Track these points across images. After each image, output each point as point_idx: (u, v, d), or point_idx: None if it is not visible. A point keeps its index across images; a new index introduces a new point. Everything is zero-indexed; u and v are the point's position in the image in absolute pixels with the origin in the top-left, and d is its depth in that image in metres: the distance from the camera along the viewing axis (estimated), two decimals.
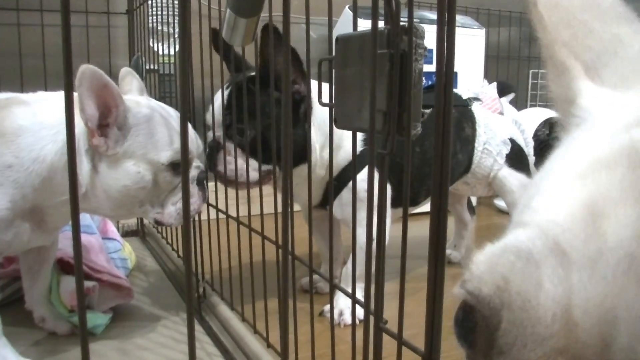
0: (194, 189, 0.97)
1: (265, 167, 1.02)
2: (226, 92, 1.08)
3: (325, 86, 0.63)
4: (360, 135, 0.99)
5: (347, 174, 1.13)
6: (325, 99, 0.61)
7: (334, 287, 0.72)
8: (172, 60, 1.65)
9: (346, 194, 1.16)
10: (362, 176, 0.63)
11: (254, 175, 1.04)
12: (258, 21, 0.65)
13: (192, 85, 1.03)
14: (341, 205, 1.16)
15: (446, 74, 0.48)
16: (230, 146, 1.07)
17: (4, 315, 0.90)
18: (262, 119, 0.89)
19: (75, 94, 0.81)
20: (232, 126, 1.05)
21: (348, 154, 1.07)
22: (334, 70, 0.58)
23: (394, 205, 1.20)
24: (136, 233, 1.74)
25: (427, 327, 0.50)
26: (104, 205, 0.90)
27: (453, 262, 1.63)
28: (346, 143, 1.05)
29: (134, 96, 0.95)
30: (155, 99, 1.05)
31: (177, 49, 1.60)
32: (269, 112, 0.96)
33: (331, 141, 0.67)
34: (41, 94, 0.91)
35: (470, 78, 2.08)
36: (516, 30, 2.83)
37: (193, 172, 0.98)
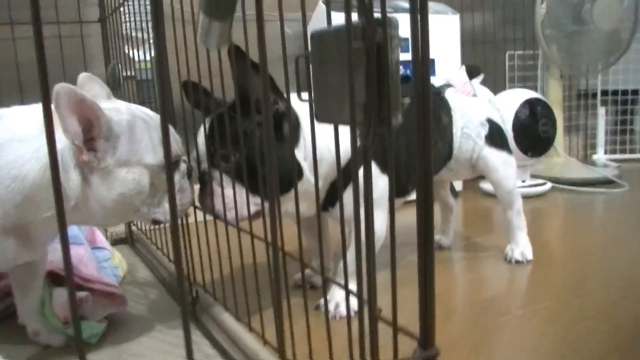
0: (186, 182, 1.01)
1: (255, 200, 1.01)
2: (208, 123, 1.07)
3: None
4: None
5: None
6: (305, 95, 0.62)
7: (326, 280, 0.73)
8: (149, 65, 1.64)
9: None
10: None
11: (243, 211, 1.02)
12: (232, 23, 0.65)
13: (170, 89, 1.02)
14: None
15: (422, 60, 0.49)
16: (218, 177, 1.05)
17: None
18: (245, 143, 0.90)
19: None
20: (216, 154, 1.04)
21: (347, 150, 1.04)
22: (311, 67, 0.59)
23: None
24: (125, 241, 1.73)
25: (421, 313, 0.51)
26: (97, 215, 0.90)
27: (444, 247, 1.65)
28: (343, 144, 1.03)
29: (111, 103, 0.94)
30: None
31: (152, 54, 1.60)
32: (251, 135, 0.96)
33: (314, 139, 0.67)
34: (16, 108, 0.90)
35: (447, 64, 2.09)
36: (490, 14, 2.85)
37: (182, 167, 1.00)
